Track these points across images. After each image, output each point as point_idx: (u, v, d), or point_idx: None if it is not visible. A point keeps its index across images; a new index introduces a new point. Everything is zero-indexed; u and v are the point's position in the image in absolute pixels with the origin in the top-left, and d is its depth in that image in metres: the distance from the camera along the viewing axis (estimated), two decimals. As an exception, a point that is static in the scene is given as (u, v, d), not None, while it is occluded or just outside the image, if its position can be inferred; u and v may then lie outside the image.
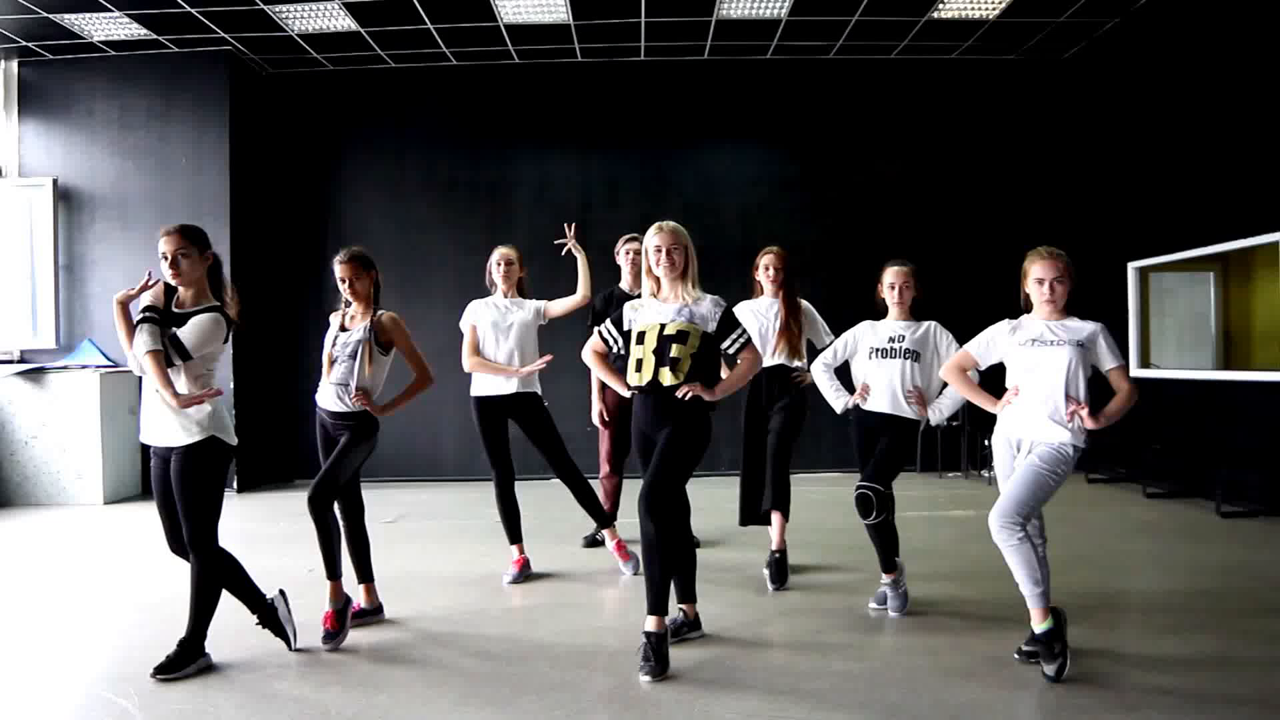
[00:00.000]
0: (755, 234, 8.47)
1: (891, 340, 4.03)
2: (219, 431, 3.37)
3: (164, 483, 3.38)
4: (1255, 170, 6.27)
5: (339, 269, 3.85)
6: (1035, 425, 3.30)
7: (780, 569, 4.57)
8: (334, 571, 3.82)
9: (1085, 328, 3.35)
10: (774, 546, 4.66)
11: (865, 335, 4.11)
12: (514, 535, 4.81)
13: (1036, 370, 3.30)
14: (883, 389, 4.01)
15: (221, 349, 3.44)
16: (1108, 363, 3.32)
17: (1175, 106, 7.10)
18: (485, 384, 4.73)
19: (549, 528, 5.96)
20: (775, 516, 4.64)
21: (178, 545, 3.43)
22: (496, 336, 4.70)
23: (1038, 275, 3.36)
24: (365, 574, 4.02)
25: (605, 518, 4.97)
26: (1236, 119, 6.44)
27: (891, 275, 4.09)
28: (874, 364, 4.04)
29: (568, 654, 3.55)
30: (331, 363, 3.85)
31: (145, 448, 3.48)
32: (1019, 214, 8.59)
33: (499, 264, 4.80)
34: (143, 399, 3.39)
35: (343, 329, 3.90)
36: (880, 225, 8.50)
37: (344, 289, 3.87)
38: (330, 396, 3.87)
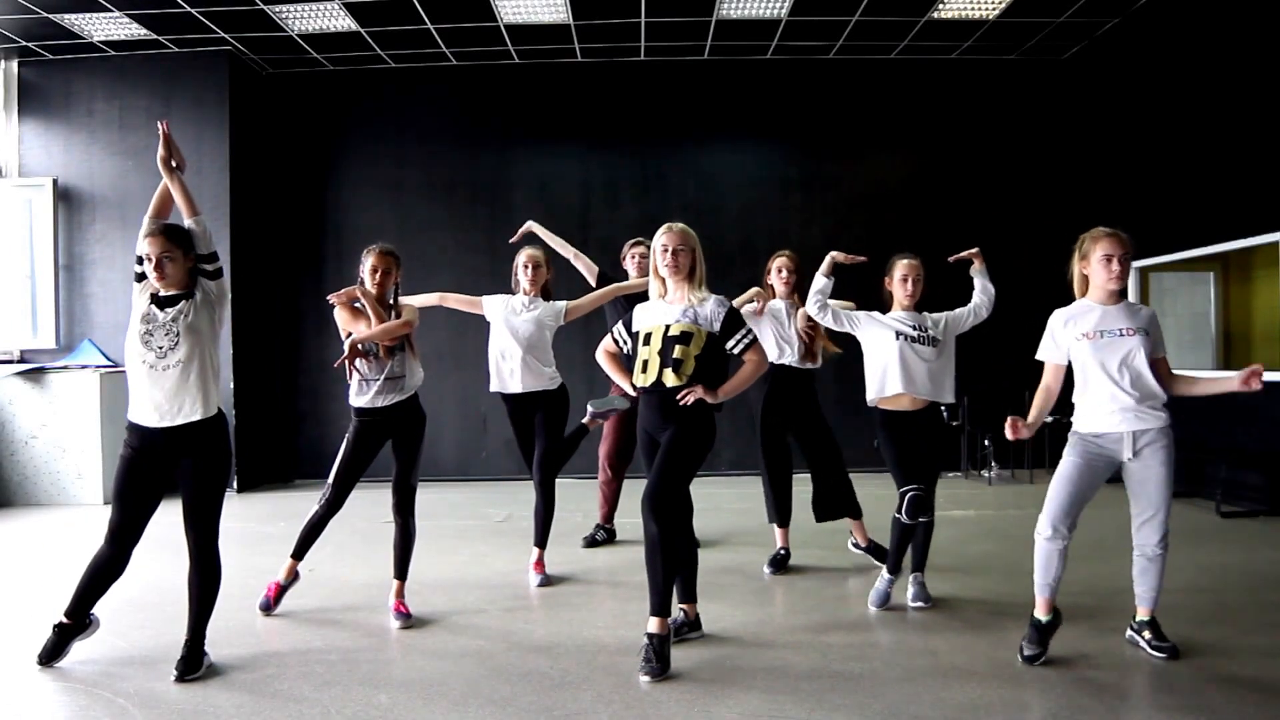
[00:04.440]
0: (755, 234, 8.49)
1: (915, 328, 4.02)
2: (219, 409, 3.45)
3: (147, 473, 3.34)
4: (1255, 170, 6.27)
5: (375, 259, 3.98)
6: (1137, 415, 3.31)
7: (781, 563, 4.80)
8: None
9: (1144, 311, 3.42)
10: (779, 545, 4.82)
11: (879, 321, 4.08)
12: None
13: (1118, 361, 3.32)
14: (920, 377, 3.97)
15: (223, 321, 3.49)
16: (1158, 351, 3.38)
17: (1175, 107, 7.10)
18: (499, 381, 4.68)
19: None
20: (778, 532, 4.85)
21: (131, 542, 3.37)
22: (507, 330, 4.63)
23: (1106, 252, 3.38)
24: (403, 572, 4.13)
25: (543, 540, 4.77)
26: (1236, 119, 6.44)
27: (904, 268, 4.09)
28: (898, 345, 3.97)
29: (568, 654, 3.55)
30: (384, 355, 3.91)
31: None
32: (1018, 214, 8.59)
33: (525, 266, 4.70)
34: (143, 382, 3.31)
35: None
36: (880, 225, 8.49)
37: (373, 278, 3.96)
38: (381, 394, 3.96)
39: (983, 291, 4.15)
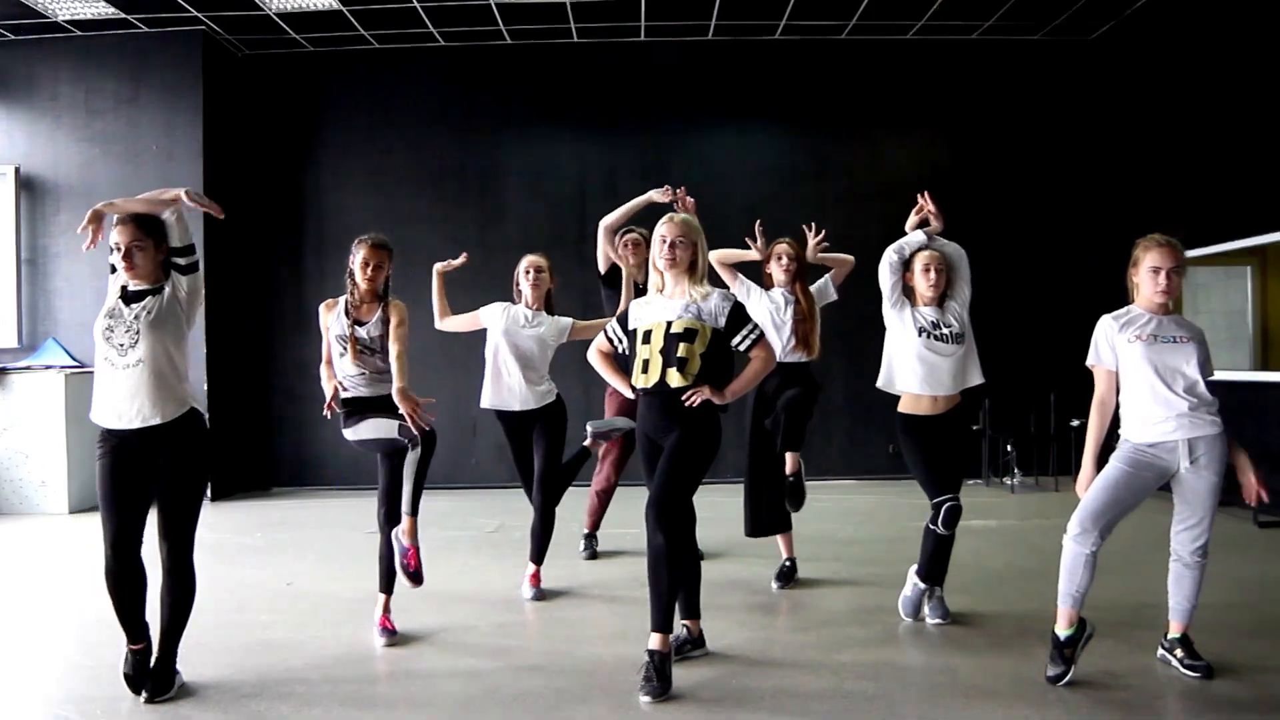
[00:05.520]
0: (764, 226, 8.48)
1: (936, 325, 4.04)
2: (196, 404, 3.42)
3: (129, 473, 3.29)
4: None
5: (366, 252, 3.92)
6: (1192, 422, 3.32)
7: (788, 575, 4.78)
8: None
9: (1195, 327, 3.46)
10: (784, 556, 4.81)
11: (907, 314, 4.09)
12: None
13: (1172, 366, 3.34)
14: (943, 375, 4.01)
15: (193, 320, 3.46)
16: (1205, 370, 3.41)
17: (1210, 89, 7.08)
18: (496, 398, 4.64)
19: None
20: (781, 541, 4.78)
21: (133, 549, 3.29)
22: (507, 345, 4.57)
23: (1154, 264, 3.40)
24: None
25: (540, 557, 4.75)
26: (1277, 101, 6.43)
27: (925, 258, 4.11)
28: (920, 343, 4.00)
29: (563, 673, 3.55)
30: (358, 354, 3.87)
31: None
32: (1044, 204, 8.59)
33: (527, 272, 4.66)
34: (104, 380, 3.29)
35: (359, 322, 3.94)
36: (898, 217, 8.38)
37: (364, 272, 3.92)
38: (368, 386, 3.94)
39: (955, 254, 4.21)
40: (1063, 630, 3.35)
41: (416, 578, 3.92)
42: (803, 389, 4.57)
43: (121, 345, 3.29)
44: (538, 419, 4.64)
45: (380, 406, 3.94)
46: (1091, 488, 3.40)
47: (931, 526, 4.01)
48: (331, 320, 3.97)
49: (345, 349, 3.90)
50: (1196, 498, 3.38)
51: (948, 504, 3.95)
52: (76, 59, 8.00)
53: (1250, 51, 6.65)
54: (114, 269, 3.39)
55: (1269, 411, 6.58)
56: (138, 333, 3.30)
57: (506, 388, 4.58)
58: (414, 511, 3.93)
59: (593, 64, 8.62)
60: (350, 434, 4.00)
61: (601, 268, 5.33)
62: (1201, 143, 7.21)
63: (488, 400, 4.64)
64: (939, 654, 3.75)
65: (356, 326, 3.94)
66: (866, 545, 5.78)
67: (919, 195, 4.34)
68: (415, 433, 3.82)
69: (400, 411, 3.79)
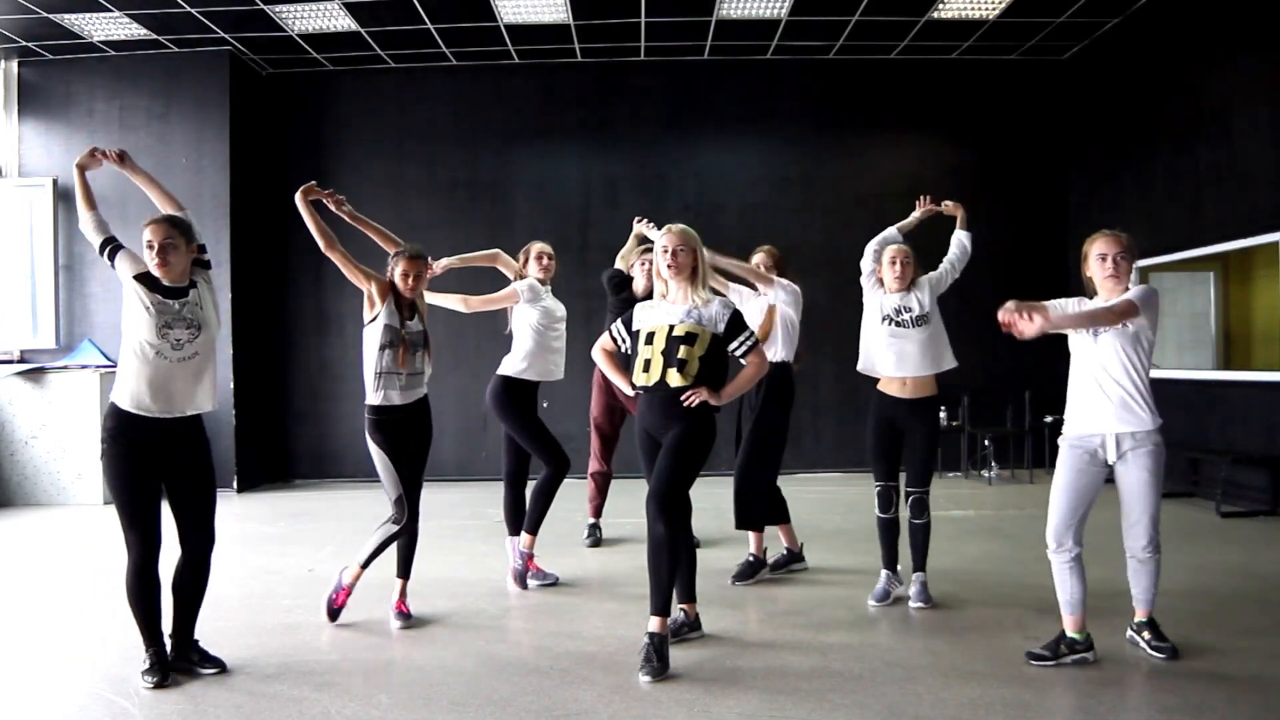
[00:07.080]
0: (756, 234, 8.45)
1: (898, 310, 4.11)
2: None
3: (147, 468, 3.24)
4: (1255, 170, 6.27)
5: (405, 264, 3.95)
6: (1119, 418, 3.26)
7: (752, 570, 4.63)
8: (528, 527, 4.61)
9: (1136, 289, 3.30)
10: (752, 550, 4.67)
11: (876, 300, 4.19)
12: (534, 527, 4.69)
13: (1109, 360, 3.28)
14: (912, 357, 4.06)
15: (218, 307, 3.49)
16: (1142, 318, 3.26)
17: (1175, 106, 7.09)
18: (553, 369, 4.61)
19: (547, 526, 5.93)
20: (753, 535, 4.67)
21: (157, 550, 3.26)
22: (556, 322, 4.63)
23: (1100, 251, 3.39)
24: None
25: (517, 528, 4.70)
26: (1236, 119, 6.44)
27: (892, 252, 4.24)
28: (886, 330, 4.08)
29: (568, 654, 3.56)
30: (407, 350, 3.88)
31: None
32: (1019, 214, 8.59)
33: (539, 258, 4.73)
34: (154, 372, 3.21)
35: (407, 320, 3.95)
36: (881, 225, 8.44)
37: (404, 283, 3.93)
38: (407, 389, 3.91)
39: (958, 246, 4.37)
40: (1071, 631, 3.35)
41: (334, 615, 3.95)
42: (773, 423, 4.51)
43: (179, 340, 3.25)
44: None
45: (407, 424, 3.93)
46: (1050, 501, 3.40)
47: (880, 514, 4.13)
48: (383, 313, 3.90)
49: (395, 341, 3.87)
50: (1131, 494, 3.34)
51: (880, 489, 4.14)
52: (111, 77, 8.01)
53: (1213, 69, 6.66)
54: (129, 276, 3.31)
55: (1231, 408, 6.58)
56: (198, 327, 3.29)
57: (556, 359, 4.64)
58: (366, 565, 3.97)
59: (595, 81, 8.61)
60: (370, 445, 3.95)
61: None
62: (1167, 155, 7.22)
63: (535, 373, 4.58)
64: (920, 636, 3.75)
65: (408, 323, 3.92)
66: (852, 534, 5.77)
67: (919, 198, 4.56)
68: (404, 511, 3.89)
69: (398, 497, 3.89)
